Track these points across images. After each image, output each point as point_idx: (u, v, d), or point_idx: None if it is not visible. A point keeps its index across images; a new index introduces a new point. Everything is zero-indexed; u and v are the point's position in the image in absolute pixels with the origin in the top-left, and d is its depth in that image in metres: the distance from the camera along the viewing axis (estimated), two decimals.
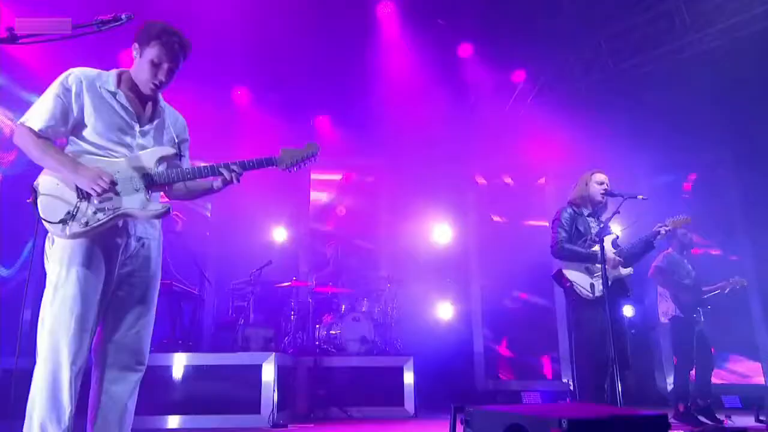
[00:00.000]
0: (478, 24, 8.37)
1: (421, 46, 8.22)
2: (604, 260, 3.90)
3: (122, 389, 2.60)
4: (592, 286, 4.15)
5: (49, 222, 2.43)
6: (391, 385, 6.16)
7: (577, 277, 4.26)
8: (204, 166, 2.71)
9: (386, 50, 8.23)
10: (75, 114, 2.53)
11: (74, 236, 2.45)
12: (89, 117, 2.55)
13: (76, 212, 2.45)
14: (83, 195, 2.46)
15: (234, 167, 2.68)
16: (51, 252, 2.51)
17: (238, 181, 2.71)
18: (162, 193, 2.84)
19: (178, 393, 5.25)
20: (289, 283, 6.97)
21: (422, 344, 7.75)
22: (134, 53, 2.62)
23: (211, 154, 8.60)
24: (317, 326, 6.87)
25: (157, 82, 2.61)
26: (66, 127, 2.54)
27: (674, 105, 8.37)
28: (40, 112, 2.50)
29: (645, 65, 8.49)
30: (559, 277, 4.37)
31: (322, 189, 9.54)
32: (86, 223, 2.45)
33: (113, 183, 2.46)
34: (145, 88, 2.64)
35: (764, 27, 7.26)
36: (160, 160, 2.67)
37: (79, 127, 2.56)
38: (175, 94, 7.78)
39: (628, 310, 8.58)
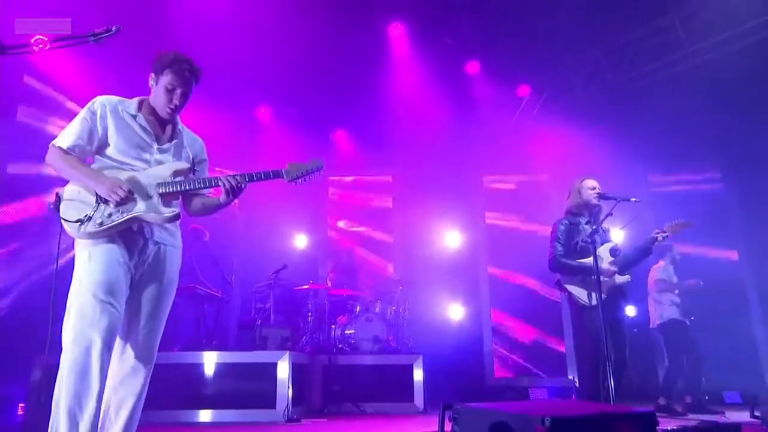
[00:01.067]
0: (484, 42, 8.29)
1: (430, 64, 8.18)
2: (597, 266, 3.72)
3: (130, 386, 2.58)
4: (589, 295, 4.00)
5: (67, 221, 2.50)
6: (401, 382, 6.03)
7: (574, 289, 4.13)
8: (211, 177, 2.77)
9: (398, 68, 8.18)
10: (99, 134, 2.64)
11: (89, 236, 2.51)
12: (112, 137, 2.65)
13: (93, 214, 2.51)
14: (102, 201, 2.53)
15: (238, 179, 2.70)
16: (77, 251, 2.57)
17: (238, 193, 2.70)
18: (180, 208, 2.85)
19: (199, 388, 5.19)
20: (307, 285, 6.89)
21: (434, 343, 7.61)
22: (151, 82, 2.73)
23: (237, 169, 8.61)
24: (333, 326, 6.74)
25: (172, 107, 2.70)
26: (92, 146, 2.65)
27: (672, 114, 8.19)
28: (68, 134, 2.61)
29: (643, 78, 8.34)
30: (560, 285, 4.23)
31: (340, 198, 9.43)
32: (101, 224, 2.50)
33: (130, 192, 2.54)
34: (162, 112, 2.73)
35: (754, 41, 7.17)
36: (176, 173, 2.73)
37: (103, 146, 2.66)
38: (205, 113, 7.83)
39: (630, 311, 8.35)
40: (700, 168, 8.83)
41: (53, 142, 2.61)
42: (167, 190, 2.64)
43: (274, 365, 5.17)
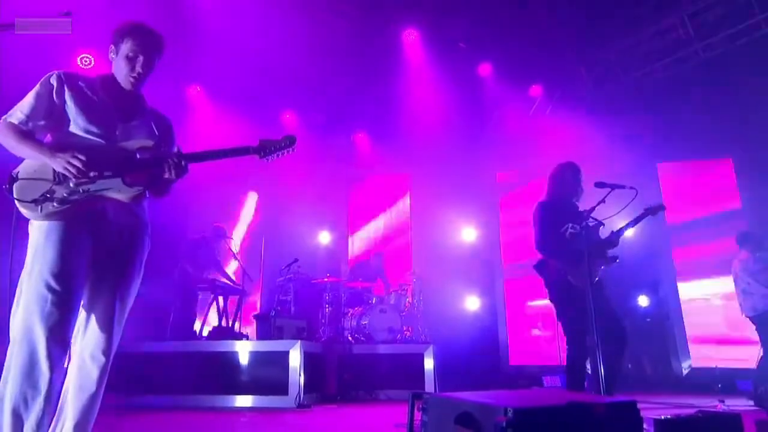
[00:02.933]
0: (496, 45, 8.02)
1: (445, 66, 7.98)
2: (588, 247, 3.39)
3: (89, 372, 2.26)
4: (575, 274, 3.67)
5: (23, 202, 2.15)
6: (412, 370, 5.74)
7: (563, 265, 3.78)
8: (169, 155, 2.38)
9: (414, 71, 7.99)
10: (56, 108, 2.27)
11: (47, 217, 2.17)
12: (71, 111, 2.28)
13: (51, 194, 2.16)
14: (60, 178, 2.19)
15: (178, 157, 2.34)
16: (31, 233, 2.22)
17: (183, 171, 2.35)
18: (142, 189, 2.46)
19: (216, 375, 5.06)
20: (325, 279, 6.70)
21: (450, 333, 7.38)
22: (111, 55, 2.39)
23: (264, 170, 8.52)
24: (349, 317, 6.53)
25: (135, 75, 2.36)
26: (47, 120, 2.27)
27: (681, 109, 7.73)
28: (20, 108, 2.26)
29: (653, 75, 7.94)
30: (543, 267, 3.89)
31: (361, 195, 9.22)
32: (60, 202, 2.16)
33: (89, 165, 2.17)
34: (126, 83, 2.39)
35: (763, 35, 6.81)
36: (143, 147, 2.36)
37: (61, 121, 2.28)
38: (238, 119, 7.64)
39: (642, 301, 7.89)
40: (713, 161, 8.32)
41: (4, 117, 2.24)
42: (130, 167, 2.29)
43: (286, 354, 4.99)
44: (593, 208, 3.58)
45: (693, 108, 7.61)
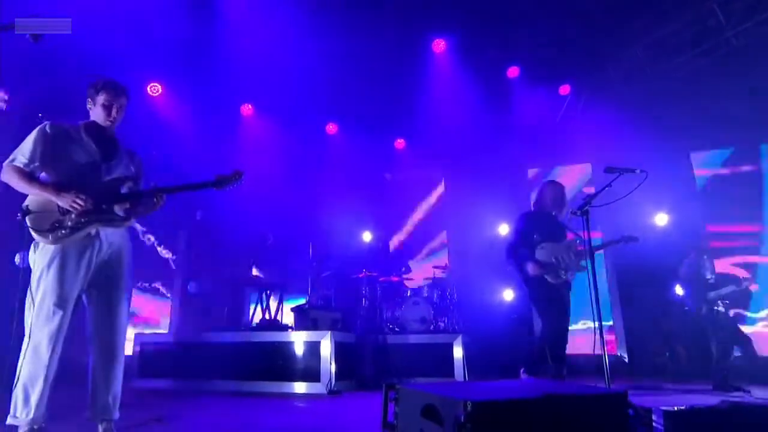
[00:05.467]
0: (524, 48, 7.63)
1: (474, 71, 7.65)
2: (589, 240, 3.02)
3: (107, 367, 2.57)
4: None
5: (39, 231, 2.47)
6: (442, 359, 5.43)
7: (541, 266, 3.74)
8: (150, 189, 2.74)
9: (446, 77, 7.69)
10: (50, 153, 2.56)
11: (56, 241, 2.49)
12: (63, 154, 2.58)
13: (60, 224, 2.49)
14: (64, 211, 2.51)
15: (158, 191, 2.72)
16: (35, 256, 2.53)
17: (163, 201, 2.74)
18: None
19: (256, 363, 4.98)
20: (363, 273, 6.51)
21: (487, 324, 6.99)
22: (89, 106, 2.70)
23: (307, 176, 8.46)
24: (384, 309, 6.29)
25: (111, 119, 2.68)
26: (43, 163, 2.56)
27: (711, 99, 7.01)
28: (22, 153, 2.54)
29: (681, 67, 7.27)
30: (520, 267, 3.69)
31: (399, 197, 8.96)
32: (68, 230, 2.49)
33: (88, 201, 2.51)
34: (104, 125, 2.70)
35: None
36: (122, 182, 2.71)
37: (56, 162, 2.57)
38: (286, 132, 7.61)
39: (679, 289, 7.20)
40: (746, 154, 7.51)
41: (8, 161, 2.53)
42: (117, 199, 2.64)
43: (318, 344, 4.84)
44: (597, 193, 3.21)
45: (725, 96, 6.89)
